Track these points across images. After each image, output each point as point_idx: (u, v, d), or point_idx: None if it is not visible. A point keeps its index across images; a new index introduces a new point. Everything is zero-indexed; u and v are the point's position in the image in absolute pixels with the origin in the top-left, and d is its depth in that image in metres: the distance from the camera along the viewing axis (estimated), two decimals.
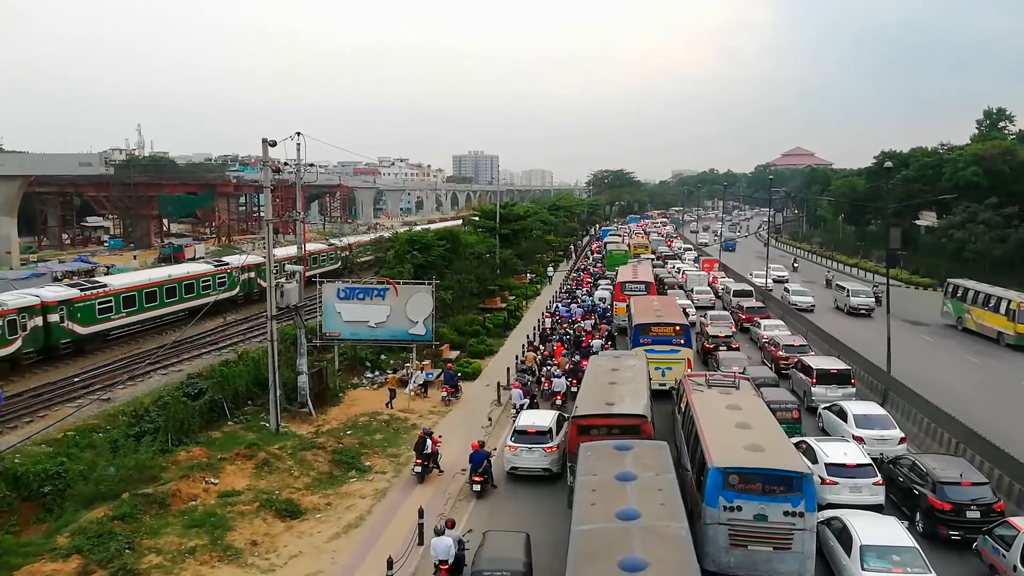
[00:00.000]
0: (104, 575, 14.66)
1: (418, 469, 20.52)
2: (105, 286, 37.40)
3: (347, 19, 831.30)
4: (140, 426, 23.24)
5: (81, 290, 35.91)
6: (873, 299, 46.49)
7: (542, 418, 21.25)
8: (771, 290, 53.22)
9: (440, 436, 21.82)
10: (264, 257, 54.04)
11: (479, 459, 19.40)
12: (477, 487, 19.30)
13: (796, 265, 73.62)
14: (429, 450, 20.54)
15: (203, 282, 43.79)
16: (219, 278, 45.16)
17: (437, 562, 14.48)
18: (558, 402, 25.87)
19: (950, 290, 43.03)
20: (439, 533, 14.77)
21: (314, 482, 20.38)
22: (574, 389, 25.12)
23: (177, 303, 40.77)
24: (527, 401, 25.22)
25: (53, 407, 27.33)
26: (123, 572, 14.70)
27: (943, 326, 42.65)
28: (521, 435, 20.31)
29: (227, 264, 46.85)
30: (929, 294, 57.81)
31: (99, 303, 36.08)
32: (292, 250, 58.18)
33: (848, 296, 47.17)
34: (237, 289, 46.34)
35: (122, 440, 22.10)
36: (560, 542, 14.46)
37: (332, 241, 65.48)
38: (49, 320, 33.14)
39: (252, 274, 48.12)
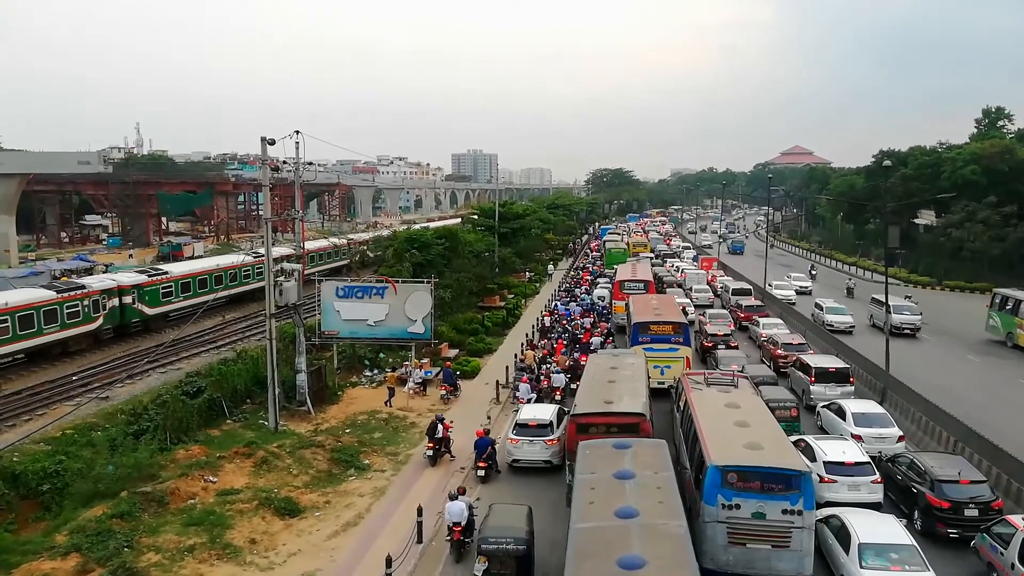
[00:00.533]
0: (103, 573, 14.63)
1: (430, 453, 21.40)
2: (167, 273, 41.94)
3: (347, 18, 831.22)
4: (139, 424, 23.24)
5: (149, 276, 40.53)
6: (920, 316, 39.53)
7: (543, 411, 21.82)
8: (794, 303, 47.43)
9: (451, 421, 22.57)
10: (294, 249, 57.02)
11: (484, 446, 20.23)
12: (482, 472, 20.05)
13: (814, 272, 65.49)
14: (440, 435, 21.42)
15: (244, 272, 47.75)
16: (258, 268, 48.28)
17: (451, 523, 15.93)
18: (557, 397, 26.10)
19: (997, 301, 38.18)
20: (453, 498, 16.18)
21: (313, 480, 20.39)
22: (573, 386, 25.28)
23: (223, 289, 44.20)
24: (535, 396, 25.71)
25: (52, 405, 27.30)
26: (122, 570, 14.67)
27: (987, 341, 38.00)
28: (522, 428, 20.92)
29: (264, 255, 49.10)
30: (928, 292, 57.91)
31: (162, 288, 40.61)
32: (328, 242, 60.37)
33: (889, 313, 39.99)
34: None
35: (121, 438, 22.08)
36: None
37: (351, 237, 68.01)
38: (124, 301, 37.82)
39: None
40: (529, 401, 24.83)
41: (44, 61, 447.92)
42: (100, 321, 36.09)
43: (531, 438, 20.56)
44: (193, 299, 42.09)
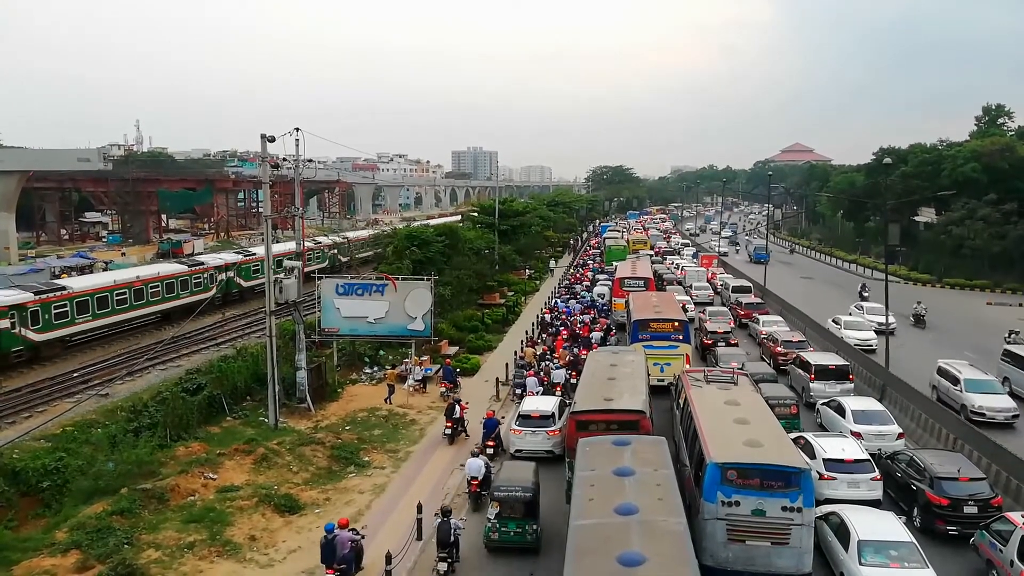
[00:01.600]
0: (103, 570, 14.64)
1: (448, 431, 23.15)
2: (255, 254, 50.13)
3: (347, 18, 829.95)
4: (139, 421, 23.22)
5: (244, 256, 49.80)
6: None
7: (545, 403, 22.68)
8: (873, 349, 32.81)
9: (467, 403, 24.15)
10: (343, 238, 64.45)
11: (492, 426, 21.81)
12: (490, 451, 21.23)
13: (866, 293, 47.17)
14: (458, 415, 23.22)
15: (312, 255, 56.56)
16: (315, 252, 58.25)
17: (470, 478, 18.48)
18: (557, 393, 26.31)
19: None
20: (474, 456, 18.86)
21: (313, 477, 20.42)
22: (573, 381, 25.54)
23: None
24: (541, 389, 26.20)
25: (51, 402, 27.29)
26: (122, 567, 14.67)
27: None
28: (525, 419, 21.73)
29: (320, 243, 60.56)
30: (929, 290, 57.92)
31: (253, 266, 48.72)
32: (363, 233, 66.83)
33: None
34: (327, 262, 59.53)
35: (121, 435, 22.07)
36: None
37: (376, 230, 72.20)
38: (228, 276, 46.18)
39: (335, 251, 62.22)
40: (538, 394, 25.44)
41: (44, 60, 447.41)
42: (214, 291, 43.64)
43: (533, 429, 21.32)
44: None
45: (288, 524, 17.62)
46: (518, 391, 26.67)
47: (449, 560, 14.99)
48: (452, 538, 15.04)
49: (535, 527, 15.80)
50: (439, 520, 15.18)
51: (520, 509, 15.72)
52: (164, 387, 26.34)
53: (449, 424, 23.11)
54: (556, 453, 20.83)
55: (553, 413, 21.78)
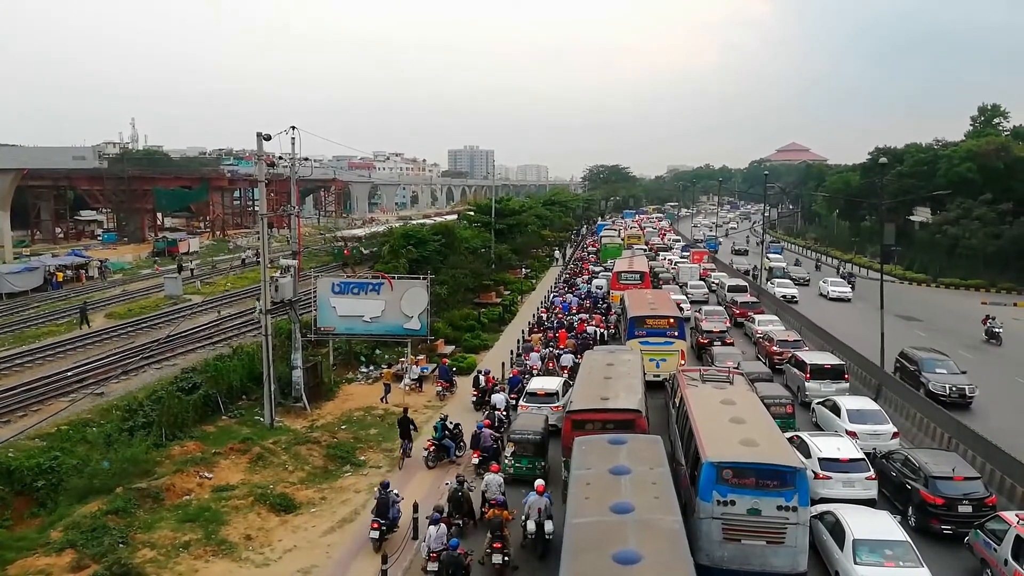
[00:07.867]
0: (98, 569, 14.60)
1: (474, 399, 25.89)
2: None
3: (345, 15, 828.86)
4: (134, 420, 23.10)
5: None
6: None
7: (550, 382, 24.58)
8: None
9: (493, 376, 26.84)
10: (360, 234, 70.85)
11: (515, 382, 25.75)
12: (513, 400, 24.17)
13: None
14: (484, 384, 25.80)
15: None
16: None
17: (495, 407, 23.08)
18: (564, 375, 27.23)
19: None
20: (496, 393, 23.83)
21: (309, 476, 20.39)
22: (579, 361, 26.50)
23: None
24: (541, 364, 28.42)
25: (46, 401, 27.15)
26: (117, 566, 14.63)
27: None
28: (532, 396, 23.51)
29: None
30: (924, 290, 58.05)
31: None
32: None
33: None
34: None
35: (116, 434, 22.00)
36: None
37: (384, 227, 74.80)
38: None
39: (357, 244, 68.51)
40: (539, 373, 27.43)
41: (40, 56, 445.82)
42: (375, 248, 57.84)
43: (539, 405, 22.93)
44: None
45: (284, 523, 17.60)
46: (528, 363, 28.86)
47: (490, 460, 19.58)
48: (494, 444, 20.06)
49: (543, 464, 19.12)
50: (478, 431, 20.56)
51: (531, 449, 19.07)
52: (159, 386, 26.26)
53: (475, 392, 26.01)
54: (560, 427, 20.98)
55: (557, 391, 23.53)
